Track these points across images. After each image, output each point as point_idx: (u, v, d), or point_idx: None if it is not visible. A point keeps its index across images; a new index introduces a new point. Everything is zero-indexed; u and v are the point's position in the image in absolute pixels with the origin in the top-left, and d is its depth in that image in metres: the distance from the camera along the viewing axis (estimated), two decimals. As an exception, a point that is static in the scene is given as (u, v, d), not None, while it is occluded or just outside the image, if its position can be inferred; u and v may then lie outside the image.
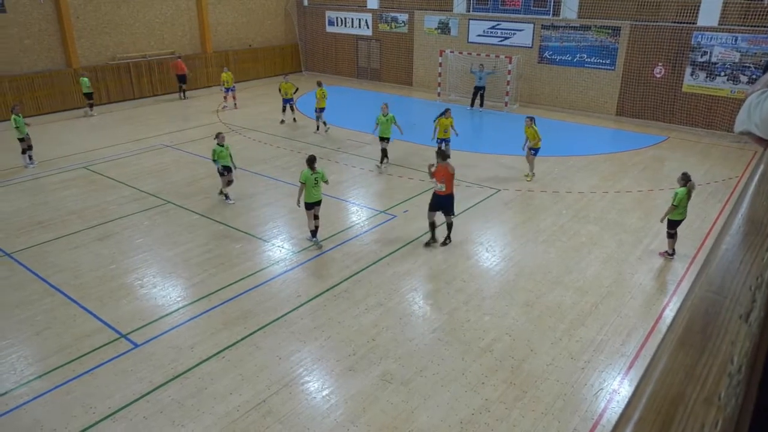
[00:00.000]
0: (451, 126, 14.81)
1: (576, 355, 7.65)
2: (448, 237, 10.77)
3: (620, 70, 20.23)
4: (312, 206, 10.53)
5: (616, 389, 7.06)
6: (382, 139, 14.89)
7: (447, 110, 14.95)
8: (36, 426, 6.47)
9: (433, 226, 10.68)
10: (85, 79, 20.48)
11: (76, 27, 21.47)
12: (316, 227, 10.72)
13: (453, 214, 10.71)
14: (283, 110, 19.65)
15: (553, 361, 7.53)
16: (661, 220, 10.35)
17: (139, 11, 23.36)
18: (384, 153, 15.05)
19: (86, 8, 21.68)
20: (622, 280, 9.63)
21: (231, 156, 12.64)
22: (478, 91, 21.73)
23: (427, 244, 10.71)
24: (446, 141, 14.82)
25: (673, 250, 10.31)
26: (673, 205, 9.92)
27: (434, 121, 14.97)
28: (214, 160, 12.55)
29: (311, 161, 10.54)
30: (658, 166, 15.72)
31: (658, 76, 19.52)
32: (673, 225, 10.14)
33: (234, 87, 21.86)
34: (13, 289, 9.33)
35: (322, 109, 18.28)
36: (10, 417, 6.62)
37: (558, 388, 7.03)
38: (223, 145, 12.47)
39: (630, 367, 7.44)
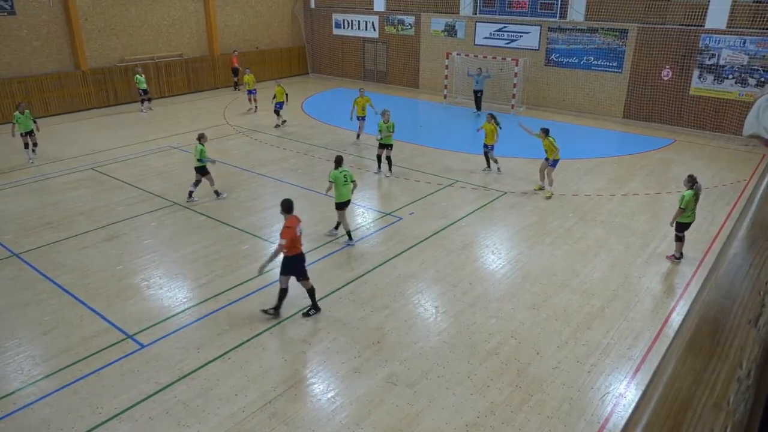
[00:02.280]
0: (495, 132, 14.36)
1: (582, 359, 7.62)
2: (313, 306, 8.62)
3: (627, 72, 20.16)
4: (344, 206, 10.71)
5: (623, 393, 7.02)
6: (381, 146, 14.64)
7: (488, 115, 14.44)
8: (43, 425, 6.51)
9: (283, 293, 8.51)
10: (142, 77, 21.35)
11: (84, 29, 21.61)
12: (343, 227, 10.95)
13: (306, 278, 8.46)
14: (276, 113, 19.60)
15: (559, 365, 7.51)
16: (671, 224, 10.28)
17: (147, 13, 23.49)
18: (378, 160, 14.84)
19: (95, 10, 21.82)
20: (629, 283, 9.59)
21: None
22: (476, 95, 21.53)
23: (266, 311, 8.59)
24: (489, 147, 14.58)
25: (681, 253, 10.25)
26: (680, 208, 9.85)
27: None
28: (198, 159, 12.64)
29: (338, 160, 10.72)
30: (665, 169, 15.65)
31: (665, 78, 19.45)
32: (681, 228, 10.09)
33: (255, 90, 21.94)
34: (21, 289, 9.39)
35: (360, 118, 17.55)
36: (17, 416, 6.65)
37: (564, 392, 7.00)
38: (203, 145, 12.72)
39: (637, 371, 7.41)
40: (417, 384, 7.14)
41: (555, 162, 13.26)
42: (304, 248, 10.16)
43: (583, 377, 7.27)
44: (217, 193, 13.17)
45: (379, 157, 14.83)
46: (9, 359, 7.66)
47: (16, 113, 15.47)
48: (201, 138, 12.74)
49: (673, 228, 10.21)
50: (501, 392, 7.00)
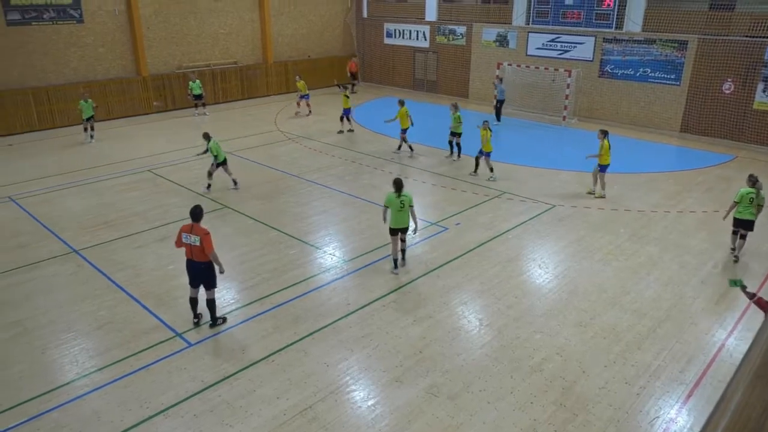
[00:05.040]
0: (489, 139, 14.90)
1: (631, 380, 7.37)
2: (212, 318, 8.56)
3: (686, 85, 19.49)
4: (396, 232, 9.97)
5: (674, 418, 6.74)
6: (452, 134, 16.54)
7: (484, 122, 15.18)
8: (94, 417, 6.76)
9: (195, 302, 8.60)
10: (196, 83, 22.62)
11: (146, 37, 22.54)
12: (403, 252, 10.29)
13: (192, 286, 8.50)
14: (341, 120, 20.02)
15: (606, 385, 7.28)
16: (723, 218, 10.82)
17: (206, 22, 24.29)
18: (451, 145, 16.80)
19: (157, 19, 22.74)
20: (682, 304, 9.22)
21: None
22: (498, 104, 21.71)
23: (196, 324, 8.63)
24: (482, 153, 15.13)
25: (733, 248, 10.77)
26: (734, 201, 10.44)
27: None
28: (215, 156, 13.97)
29: (398, 184, 9.78)
30: (724, 186, 15.00)
31: (727, 92, 18.70)
32: (735, 223, 10.57)
33: (308, 95, 22.90)
34: (79, 284, 9.82)
35: (404, 130, 17.22)
36: (71, 406, 6.94)
37: (610, 413, 6.78)
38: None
39: (689, 396, 7.10)
40: (458, 397, 7.06)
41: (604, 167, 13.64)
42: (345, 254, 10.14)
43: (632, 399, 7.02)
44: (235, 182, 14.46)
45: (450, 143, 16.84)
46: (65, 351, 8.01)
47: (81, 101, 18.30)
48: (206, 136, 14.13)
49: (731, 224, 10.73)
50: (544, 410, 6.84)
